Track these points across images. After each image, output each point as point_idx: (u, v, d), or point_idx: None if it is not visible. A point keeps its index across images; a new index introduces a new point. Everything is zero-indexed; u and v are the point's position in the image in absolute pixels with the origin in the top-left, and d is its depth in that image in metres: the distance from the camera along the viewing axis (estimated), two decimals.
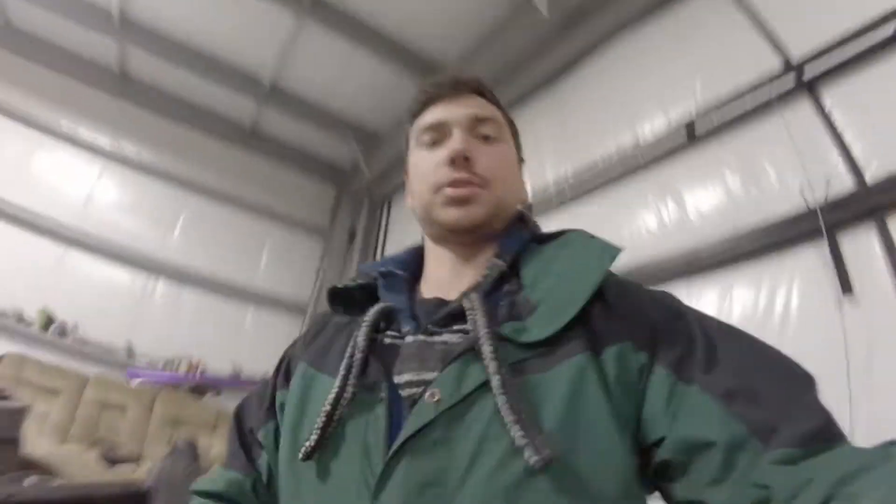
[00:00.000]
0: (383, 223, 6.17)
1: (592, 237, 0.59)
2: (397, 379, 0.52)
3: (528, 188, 0.79)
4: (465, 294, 0.56)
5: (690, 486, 0.43)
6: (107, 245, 5.68)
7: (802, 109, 2.17)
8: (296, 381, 0.61)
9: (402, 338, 0.57)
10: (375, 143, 5.96)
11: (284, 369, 0.68)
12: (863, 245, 1.83)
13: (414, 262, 0.71)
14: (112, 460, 3.54)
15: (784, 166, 2.18)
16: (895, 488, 0.30)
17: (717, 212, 2.40)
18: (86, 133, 5.93)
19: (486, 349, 0.46)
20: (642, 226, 2.71)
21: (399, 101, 5.12)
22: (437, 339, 0.54)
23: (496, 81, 3.68)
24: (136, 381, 4.91)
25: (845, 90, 2.06)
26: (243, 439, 0.68)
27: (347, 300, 0.68)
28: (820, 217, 1.89)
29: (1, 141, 5.53)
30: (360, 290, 0.68)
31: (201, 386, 5.39)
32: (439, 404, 0.46)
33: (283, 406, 0.63)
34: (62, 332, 5.09)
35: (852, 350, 1.69)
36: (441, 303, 0.59)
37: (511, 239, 0.64)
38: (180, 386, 5.12)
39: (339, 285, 0.69)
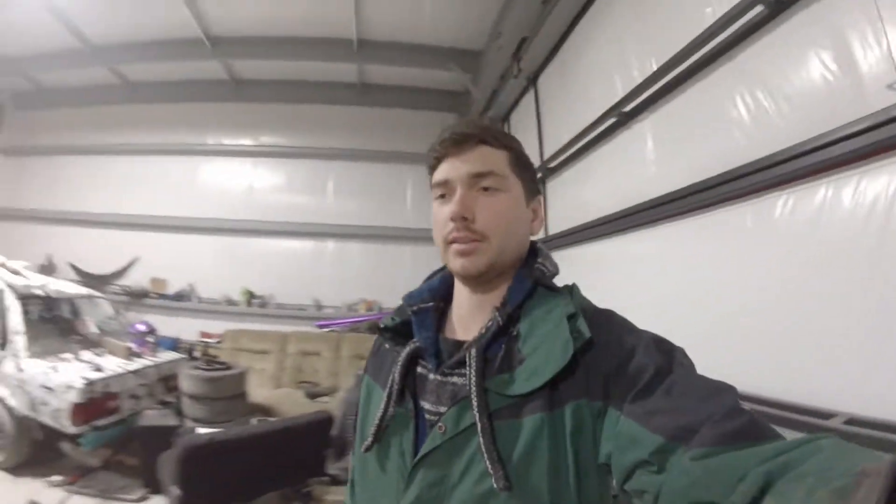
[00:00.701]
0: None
1: (568, 317, 0.66)
2: (423, 403, 0.71)
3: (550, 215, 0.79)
4: (469, 346, 0.68)
5: (652, 496, 0.51)
6: (276, 225, 6.82)
7: None
8: (364, 389, 0.84)
9: (427, 371, 0.73)
10: (476, 60, 5.70)
11: (362, 379, 0.88)
12: None
13: (444, 287, 0.82)
14: (313, 395, 4.50)
15: None
16: (822, 480, 0.33)
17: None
18: (229, 141, 7.06)
19: (474, 402, 0.62)
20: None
21: (481, 11, 4.84)
22: (449, 379, 0.70)
23: None
24: (325, 330, 5.99)
25: None
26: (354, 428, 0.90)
27: (393, 330, 0.81)
28: None
29: (168, 170, 7.04)
30: (401, 324, 0.80)
31: (376, 324, 6.29)
32: (444, 434, 0.64)
33: (358, 404, 0.86)
34: (262, 303, 6.47)
35: None
36: (458, 344, 0.73)
37: (516, 287, 0.72)
38: (359, 327, 6.03)
39: (382, 324, 0.83)
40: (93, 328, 4.36)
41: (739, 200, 2.10)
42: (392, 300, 6.59)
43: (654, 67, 2.67)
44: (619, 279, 3.10)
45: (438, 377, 0.71)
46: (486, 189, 0.71)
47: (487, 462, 0.59)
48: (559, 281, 0.76)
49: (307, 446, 3.02)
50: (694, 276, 2.42)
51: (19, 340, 3.58)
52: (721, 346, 2.04)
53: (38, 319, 3.94)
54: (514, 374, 0.64)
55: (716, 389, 0.55)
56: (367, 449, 0.73)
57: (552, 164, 4.20)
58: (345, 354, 5.31)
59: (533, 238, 0.81)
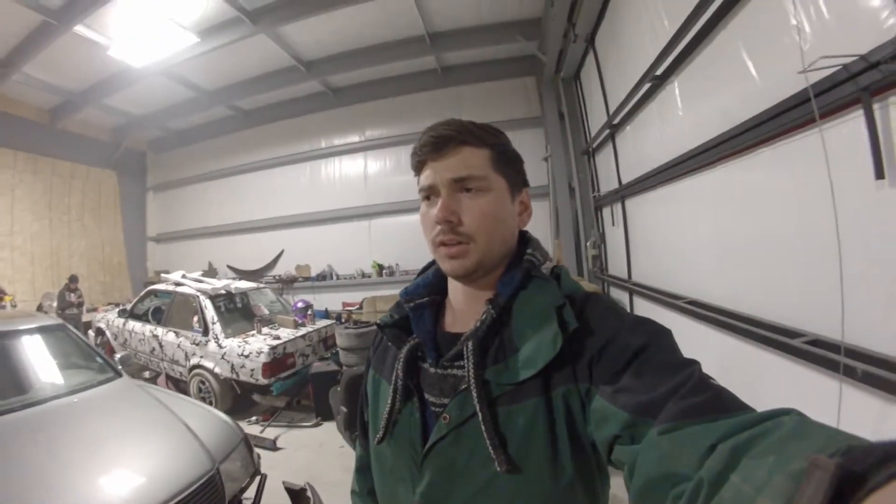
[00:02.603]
0: (580, 98, 6.16)
1: (558, 308, 0.68)
2: (427, 396, 0.74)
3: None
4: (465, 339, 0.70)
5: (629, 467, 0.53)
6: (393, 205, 7.94)
7: None
8: (370, 382, 0.87)
9: (428, 365, 0.75)
10: (537, 27, 5.97)
11: (367, 370, 0.91)
12: None
13: (439, 281, 0.83)
14: None
15: None
16: (781, 459, 0.34)
17: None
18: (340, 141, 8.29)
19: (474, 392, 0.66)
20: None
21: None
22: (449, 372, 0.72)
23: None
24: None
25: None
26: (362, 420, 0.93)
27: (392, 327, 0.82)
28: None
29: (294, 177, 8.60)
30: (400, 320, 0.81)
31: None
32: (449, 424, 0.68)
33: (365, 396, 0.89)
34: (390, 272, 7.71)
35: None
36: (455, 337, 0.73)
37: (507, 279, 0.74)
38: None
39: (380, 322, 0.83)
40: (264, 311, 5.75)
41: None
42: None
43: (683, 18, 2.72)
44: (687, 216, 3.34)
45: (439, 371, 0.74)
46: (468, 191, 0.72)
47: (490, 447, 0.63)
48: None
49: None
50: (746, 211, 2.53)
51: (216, 327, 4.98)
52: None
53: (225, 311, 5.32)
54: (509, 363, 0.67)
55: (682, 365, 0.57)
56: (380, 441, 0.77)
57: (615, 121, 4.44)
58: None
59: (523, 228, 0.81)
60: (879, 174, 1.56)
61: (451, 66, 7.56)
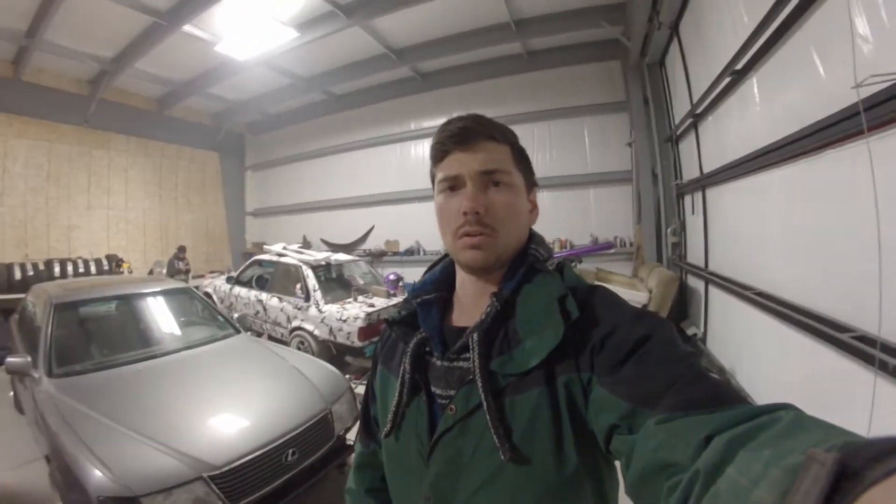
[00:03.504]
0: (665, 84, 6.12)
1: (560, 299, 0.70)
2: (434, 389, 0.76)
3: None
4: (471, 332, 0.72)
5: (626, 457, 0.54)
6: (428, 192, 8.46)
7: None
8: (378, 378, 0.88)
9: (435, 359, 0.77)
10: (622, 13, 5.99)
11: (375, 366, 0.92)
12: None
13: (446, 278, 0.85)
14: None
15: None
16: (778, 453, 0.34)
17: None
18: (428, 124, 8.84)
19: (479, 383, 0.67)
20: None
21: None
22: (455, 364, 0.74)
23: None
24: None
25: None
26: (367, 417, 0.95)
27: (400, 322, 0.84)
28: None
29: (384, 157, 9.34)
30: (408, 316, 0.84)
31: (569, 258, 7.19)
32: (455, 415, 0.70)
33: (372, 393, 0.91)
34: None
35: None
36: (461, 331, 0.75)
37: (512, 273, 0.75)
38: (564, 260, 7.14)
39: (389, 318, 0.86)
40: (360, 281, 6.31)
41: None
42: (582, 237, 7.70)
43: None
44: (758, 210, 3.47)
45: (445, 363, 0.75)
46: (495, 184, 0.73)
47: (494, 436, 0.65)
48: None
49: None
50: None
51: (317, 294, 5.57)
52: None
53: (324, 280, 5.89)
54: (514, 355, 0.68)
55: (682, 357, 0.58)
56: (387, 434, 0.78)
57: (698, 111, 4.47)
58: None
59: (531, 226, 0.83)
60: None
61: (536, 51, 7.68)
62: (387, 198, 9.22)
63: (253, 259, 6.89)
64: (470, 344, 0.70)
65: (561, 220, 7.72)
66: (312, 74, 8.56)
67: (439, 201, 0.77)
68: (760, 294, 3.20)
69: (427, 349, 0.78)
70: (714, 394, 0.50)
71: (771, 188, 3.12)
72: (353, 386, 5.16)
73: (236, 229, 11.91)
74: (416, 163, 9.01)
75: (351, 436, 2.85)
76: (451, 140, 0.74)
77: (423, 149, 8.88)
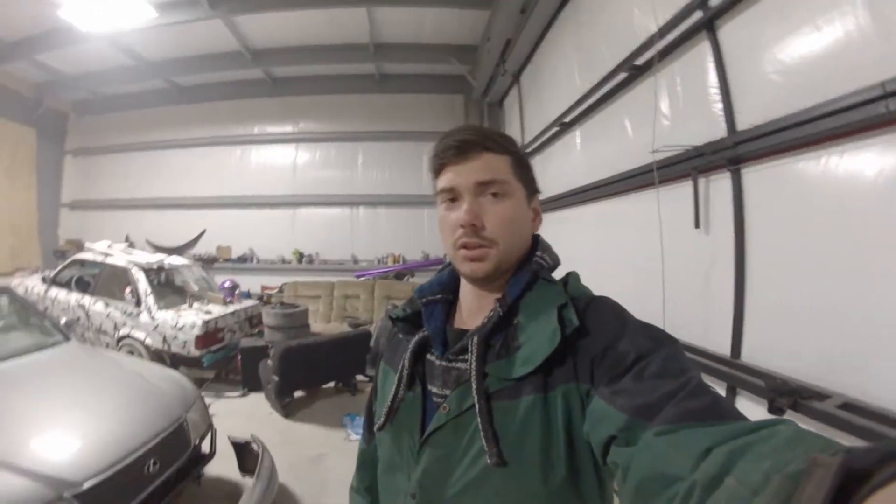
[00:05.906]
0: (503, 123, 7.03)
1: (560, 307, 0.70)
2: (430, 387, 0.76)
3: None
4: (471, 335, 0.72)
5: (622, 469, 0.53)
6: (317, 197, 8.28)
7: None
8: (381, 373, 0.89)
9: (435, 358, 0.78)
10: (472, 54, 6.67)
11: (378, 363, 0.93)
12: None
13: (453, 281, 0.86)
14: (355, 325, 6.07)
15: None
16: (778, 463, 0.34)
17: None
18: (273, 129, 8.45)
19: (474, 385, 0.68)
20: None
21: (473, 17, 5.80)
22: (453, 364, 0.75)
23: None
24: (361, 279, 7.52)
25: None
26: (370, 416, 0.96)
27: (404, 320, 0.85)
28: None
29: (223, 158, 8.54)
30: (412, 314, 0.85)
31: (401, 272, 7.82)
32: (448, 414, 0.70)
33: (375, 390, 0.92)
34: (310, 260, 8.08)
35: None
36: (463, 333, 0.76)
37: (516, 281, 0.75)
38: (388, 275, 7.57)
39: (393, 315, 0.87)
40: (194, 287, 5.82)
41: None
42: (414, 253, 8.14)
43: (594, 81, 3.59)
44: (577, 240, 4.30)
45: (444, 363, 0.76)
46: (493, 195, 0.73)
47: (483, 439, 0.65)
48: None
49: (353, 353, 4.68)
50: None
51: (150, 299, 5.02)
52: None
53: (157, 284, 5.36)
54: (511, 360, 0.68)
55: (683, 371, 0.57)
56: (380, 428, 0.80)
57: (529, 150, 5.30)
58: (377, 295, 6.97)
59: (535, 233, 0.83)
60: (697, 225, 2.53)
61: (388, 75, 8.05)
62: (222, 201, 8.48)
63: (74, 257, 5.87)
64: (469, 346, 0.71)
65: (397, 236, 8.17)
66: (158, 60, 7.54)
67: (440, 214, 0.78)
68: None
69: (428, 347, 0.80)
70: (714, 407, 0.50)
71: (586, 219, 3.98)
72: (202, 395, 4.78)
73: (48, 222, 9.44)
74: (257, 168, 8.50)
75: (206, 445, 2.80)
76: (449, 152, 0.75)
77: (266, 154, 8.48)
